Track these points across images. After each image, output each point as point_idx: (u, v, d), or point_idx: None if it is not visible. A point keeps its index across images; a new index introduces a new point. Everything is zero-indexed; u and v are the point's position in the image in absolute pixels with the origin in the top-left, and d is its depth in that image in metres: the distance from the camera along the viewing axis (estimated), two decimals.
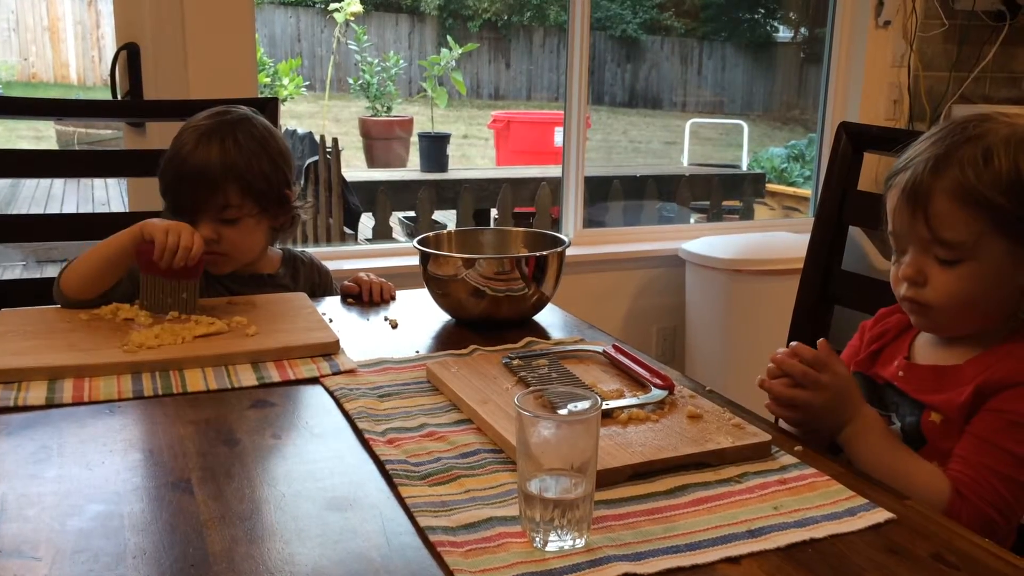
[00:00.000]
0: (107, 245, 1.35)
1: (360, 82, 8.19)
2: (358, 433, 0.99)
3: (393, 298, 1.55)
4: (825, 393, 1.00)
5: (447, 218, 5.61)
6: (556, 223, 3.41)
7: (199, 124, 1.45)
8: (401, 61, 8.48)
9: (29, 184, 7.10)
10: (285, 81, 7.56)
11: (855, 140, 1.46)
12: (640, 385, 1.11)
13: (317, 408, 1.08)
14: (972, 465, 0.97)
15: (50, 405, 1.05)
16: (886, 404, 1.10)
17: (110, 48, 7.33)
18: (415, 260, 1.43)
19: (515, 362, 1.16)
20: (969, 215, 0.97)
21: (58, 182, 7.20)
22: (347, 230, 4.47)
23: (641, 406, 1.02)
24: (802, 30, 9.63)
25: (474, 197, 4.48)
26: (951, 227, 0.98)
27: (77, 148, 6.82)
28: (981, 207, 0.97)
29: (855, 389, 1.03)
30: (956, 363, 1.05)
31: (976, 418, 1.00)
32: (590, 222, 3.18)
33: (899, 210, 1.03)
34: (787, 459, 0.94)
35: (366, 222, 5.01)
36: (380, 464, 0.91)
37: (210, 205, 1.42)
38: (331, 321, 1.35)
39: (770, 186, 6.27)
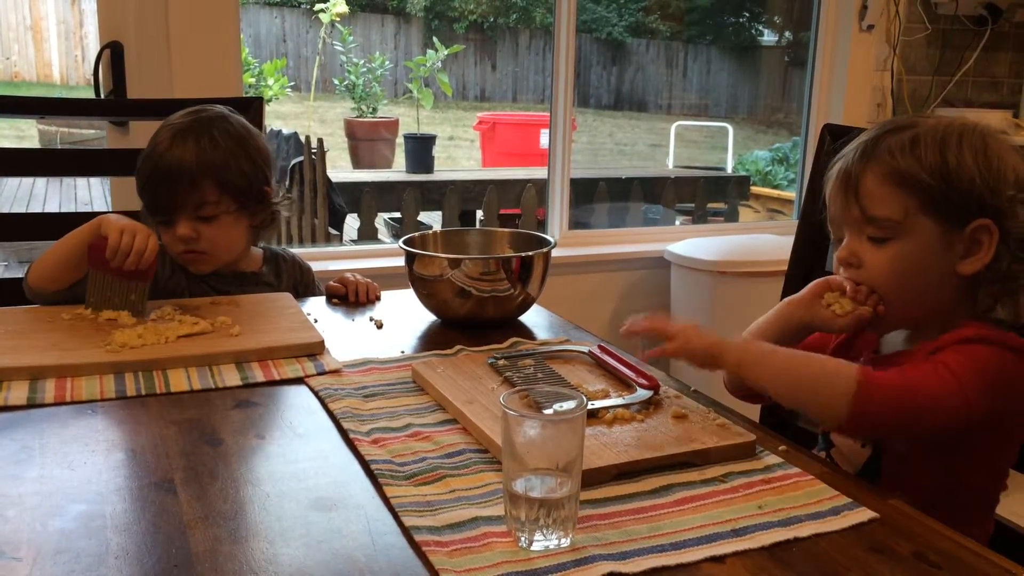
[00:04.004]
0: (69, 239, 1.36)
1: (345, 83, 8.17)
2: (343, 433, 0.99)
3: (378, 298, 1.54)
4: (679, 341, 1.03)
5: (432, 219, 5.60)
6: (542, 225, 3.41)
7: (175, 123, 1.44)
8: (387, 62, 8.46)
9: (11, 183, 7.04)
10: (270, 81, 7.53)
11: (839, 142, 1.47)
12: (625, 385, 1.11)
13: (302, 408, 1.07)
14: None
15: (32, 405, 1.04)
16: None
17: (93, 47, 7.28)
18: (400, 261, 1.43)
19: (501, 362, 1.16)
20: (897, 194, 1.02)
21: (40, 181, 7.15)
22: (332, 231, 4.46)
23: (626, 406, 1.03)
24: (786, 34, 9.67)
25: (460, 198, 4.47)
26: (880, 204, 1.03)
27: (60, 147, 6.77)
28: (909, 187, 1.01)
29: (712, 338, 1.02)
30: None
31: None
32: (576, 224, 3.19)
33: (833, 196, 1.08)
34: (771, 459, 0.95)
35: (351, 223, 5.00)
36: (365, 464, 0.91)
37: (187, 202, 1.41)
38: (316, 321, 1.35)
39: (755, 188, 6.29)
